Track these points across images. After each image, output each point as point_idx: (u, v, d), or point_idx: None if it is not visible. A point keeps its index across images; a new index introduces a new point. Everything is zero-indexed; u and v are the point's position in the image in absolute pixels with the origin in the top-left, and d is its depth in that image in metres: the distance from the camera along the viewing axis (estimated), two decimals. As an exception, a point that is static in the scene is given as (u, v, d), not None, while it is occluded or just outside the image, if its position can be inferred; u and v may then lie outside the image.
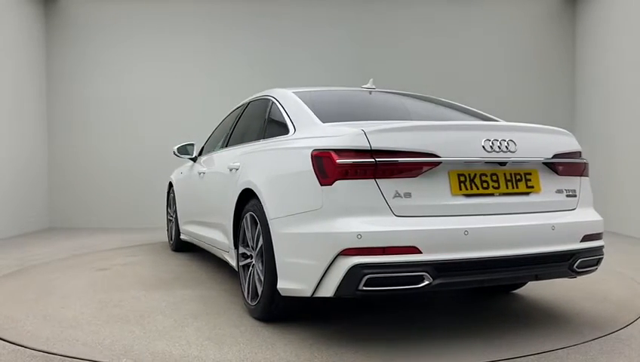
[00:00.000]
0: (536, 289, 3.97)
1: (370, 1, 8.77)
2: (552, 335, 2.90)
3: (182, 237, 5.70)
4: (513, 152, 2.75)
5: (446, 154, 2.62)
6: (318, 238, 2.57)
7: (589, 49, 8.35)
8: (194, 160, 5.30)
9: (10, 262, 5.32)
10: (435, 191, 2.60)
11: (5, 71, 7.53)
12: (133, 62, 8.67)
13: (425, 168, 2.58)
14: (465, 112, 3.82)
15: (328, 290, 2.54)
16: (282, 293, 2.86)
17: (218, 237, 4.11)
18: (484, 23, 8.83)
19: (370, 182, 2.52)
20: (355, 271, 2.44)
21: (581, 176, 3.03)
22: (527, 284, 3.95)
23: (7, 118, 7.56)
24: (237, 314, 3.33)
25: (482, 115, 3.76)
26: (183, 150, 5.36)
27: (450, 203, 2.62)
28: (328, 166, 2.57)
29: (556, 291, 3.94)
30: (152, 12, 8.65)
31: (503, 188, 2.74)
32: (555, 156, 2.90)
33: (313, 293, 2.62)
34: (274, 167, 3.12)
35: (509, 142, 2.75)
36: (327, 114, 3.17)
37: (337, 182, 2.53)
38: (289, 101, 3.47)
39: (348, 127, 2.72)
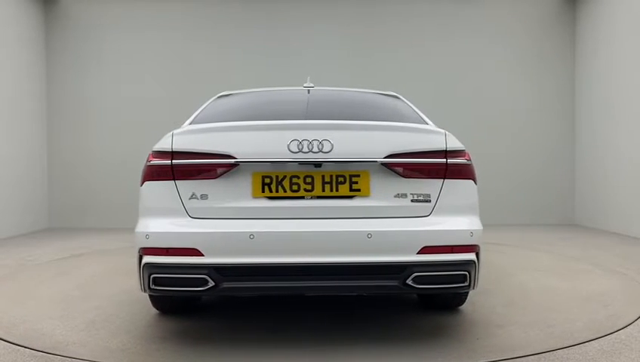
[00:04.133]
0: (533, 290, 3.82)
1: (369, 1, 8.59)
2: (552, 335, 2.88)
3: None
4: (327, 153, 2.53)
5: (244, 155, 2.54)
6: (134, 238, 2.70)
7: (589, 49, 8.25)
8: None
9: (9, 262, 5.62)
10: (233, 193, 2.55)
11: (5, 71, 7.54)
12: (134, 62, 8.64)
13: (220, 170, 2.55)
14: (389, 111, 3.34)
15: (141, 288, 2.66)
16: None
17: None
18: (484, 23, 8.65)
19: (169, 184, 2.59)
20: (146, 271, 2.54)
21: (444, 178, 2.61)
22: (524, 286, 3.75)
23: (7, 117, 7.57)
24: (147, 305, 3.55)
25: (411, 114, 3.20)
26: None
27: (248, 205, 2.53)
28: (145, 167, 2.69)
29: (555, 291, 3.87)
30: (152, 12, 8.64)
31: (317, 191, 2.55)
32: (391, 156, 2.56)
33: (142, 290, 2.75)
34: None
35: (323, 142, 2.53)
36: (210, 116, 3.18)
37: (145, 183, 2.66)
38: None
39: (177, 130, 2.77)
